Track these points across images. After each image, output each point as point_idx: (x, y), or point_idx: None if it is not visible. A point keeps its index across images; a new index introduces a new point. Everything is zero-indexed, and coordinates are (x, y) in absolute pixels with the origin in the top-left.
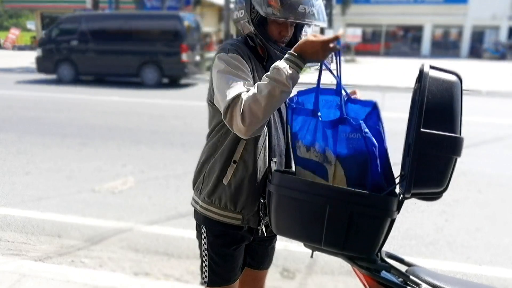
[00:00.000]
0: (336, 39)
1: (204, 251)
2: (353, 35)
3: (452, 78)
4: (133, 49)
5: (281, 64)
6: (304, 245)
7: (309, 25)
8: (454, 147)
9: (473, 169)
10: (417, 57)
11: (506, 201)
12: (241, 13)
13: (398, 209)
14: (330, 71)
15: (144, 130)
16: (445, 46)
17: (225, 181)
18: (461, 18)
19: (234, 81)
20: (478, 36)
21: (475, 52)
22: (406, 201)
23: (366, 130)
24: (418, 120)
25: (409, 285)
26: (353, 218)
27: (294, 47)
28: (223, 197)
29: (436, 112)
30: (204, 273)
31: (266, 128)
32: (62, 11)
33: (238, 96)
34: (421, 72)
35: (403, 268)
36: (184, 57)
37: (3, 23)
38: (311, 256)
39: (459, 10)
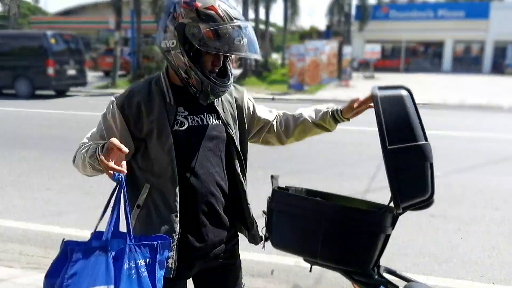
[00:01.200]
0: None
1: None
2: (372, 52)
3: (401, 92)
4: (7, 64)
5: (91, 153)
6: (304, 259)
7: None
8: (422, 153)
9: (491, 186)
10: (438, 72)
11: None
12: (173, 43)
13: (393, 225)
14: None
15: None
16: (467, 61)
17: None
18: (482, 34)
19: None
20: (500, 52)
21: (498, 67)
22: (420, 219)
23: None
24: (383, 140)
25: None
26: (348, 233)
27: (103, 152)
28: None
29: (396, 128)
30: None
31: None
32: (87, 32)
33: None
34: (372, 95)
35: (401, 283)
36: (50, 71)
37: None
38: (310, 270)
39: (481, 26)
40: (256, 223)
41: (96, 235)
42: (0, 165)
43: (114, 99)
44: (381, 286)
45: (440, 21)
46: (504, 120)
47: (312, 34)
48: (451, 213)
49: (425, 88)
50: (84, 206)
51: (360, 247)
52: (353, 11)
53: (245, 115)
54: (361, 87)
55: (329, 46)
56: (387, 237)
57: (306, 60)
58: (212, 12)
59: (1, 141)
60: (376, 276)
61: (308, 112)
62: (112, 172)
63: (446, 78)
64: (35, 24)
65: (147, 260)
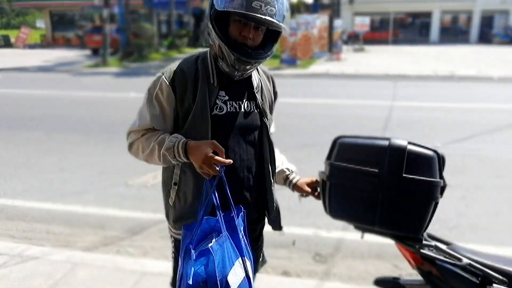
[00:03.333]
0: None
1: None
2: (361, 24)
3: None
4: None
5: (169, 145)
6: (355, 226)
7: (265, 25)
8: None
9: (490, 155)
10: (426, 44)
11: None
12: (208, 26)
13: (441, 193)
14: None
15: None
16: (454, 32)
17: (170, 202)
18: (470, 3)
19: (141, 114)
20: (487, 21)
21: (485, 37)
22: None
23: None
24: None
25: (451, 260)
26: (404, 202)
27: (188, 142)
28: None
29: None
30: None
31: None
32: (70, 9)
33: (128, 133)
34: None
35: (443, 246)
36: None
37: (10, 21)
38: (362, 237)
39: None
40: (279, 210)
41: (207, 220)
42: (7, 147)
43: (162, 75)
44: (427, 248)
45: None
46: (495, 90)
47: (300, 7)
48: (455, 182)
49: (414, 60)
50: (101, 185)
51: (415, 214)
52: None
53: (274, 104)
54: (351, 60)
55: (320, 20)
56: (436, 205)
57: (298, 34)
58: None
59: (2, 123)
60: (423, 240)
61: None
62: (213, 167)
63: (434, 49)
64: (17, 2)
65: (241, 227)
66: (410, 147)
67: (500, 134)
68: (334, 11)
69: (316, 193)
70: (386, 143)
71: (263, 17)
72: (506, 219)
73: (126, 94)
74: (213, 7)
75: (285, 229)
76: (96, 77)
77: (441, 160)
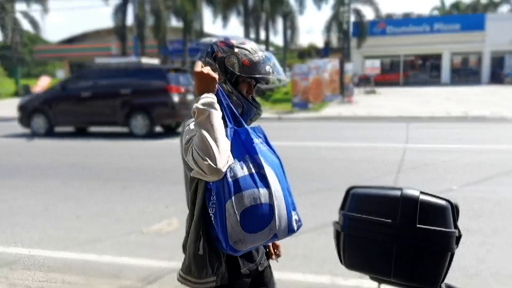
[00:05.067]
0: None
1: None
2: (371, 67)
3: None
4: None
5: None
6: (371, 277)
7: (268, 82)
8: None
9: (508, 197)
10: (437, 85)
11: None
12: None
13: (457, 243)
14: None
15: (180, 170)
16: (465, 73)
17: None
18: (479, 45)
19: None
20: (498, 62)
21: (496, 77)
22: None
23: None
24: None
25: None
26: (419, 253)
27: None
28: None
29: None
30: None
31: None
32: (89, 59)
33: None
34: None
35: None
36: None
37: (30, 71)
38: (378, 287)
39: (477, 37)
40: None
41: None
42: (26, 195)
43: None
44: None
45: (436, 34)
46: (509, 131)
47: (310, 51)
48: (473, 227)
49: (426, 101)
50: (117, 233)
51: (431, 265)
52: (351, 28)
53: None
54: (363, 102)
55: (331, 64)
56: (452, 255)
57: (309, 78)
58: (245, 46)
59: (23, 171)
60: None
61: None
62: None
63: (446, 90)
64: (39, 53)
65: (259, 139)
66: (422, 197)
67: None
68: (345, 55)
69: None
70: (398, 193)
71: (280, 76)
72: None
73: (140, 140)
74: (231, 73)
75: (301, 276)
76: None
77: (455, 209)
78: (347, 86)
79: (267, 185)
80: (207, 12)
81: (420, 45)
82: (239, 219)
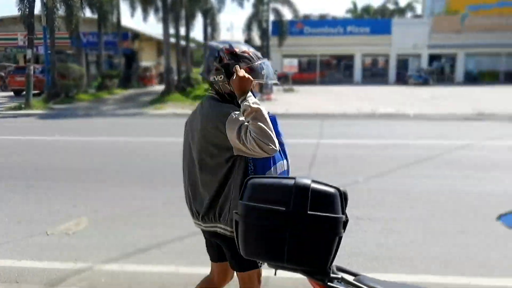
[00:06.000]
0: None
1: None
2: (290, 66)
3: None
4: None
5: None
6: (268, 264)
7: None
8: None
9: (407, 188)
10: (350, 84)
11: (435, 215)
12: (221, 77)
13: (344, 228)
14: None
15: (90, 168)
16: (374, 73)
17: None
18: (386, 48)
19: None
20: (402, 64)
21: (401, 78)
22: (350, 224)
23: None
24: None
25: None
26: (309, 239)
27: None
28: None
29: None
30: None
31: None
32: None
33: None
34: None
35: (351, 278)
36: None
37: None
38: (275, 274)
39: (384, 41)
40: None
41: None
42: None
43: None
44: (336, 281)
45: (349, 36)
46: (411, 128)
47: None
48: (375, 215)
49: (339, 99)
50: (17, 235)
51: (320, 249)
52: (270, 27)
53: None
54: (282, 100)
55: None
56: (340, 239)
57: None
58: (246, 54)
59: None
60: (331, 274)
61: None
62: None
63: (357, 89)
64: None
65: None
66: (313, 185)
67: (415, 168)
68: (264, 53)
69: None
70: (291, 182)
71: (273, 81)
72: (419, 247)
73: (49, 137)
74: (229, 72)
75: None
76: (18, 119)
77: (343, 196)
78: (266, 84)
79: (286, 157)
80: (125, 5)
81: (335, 46)
82: None
